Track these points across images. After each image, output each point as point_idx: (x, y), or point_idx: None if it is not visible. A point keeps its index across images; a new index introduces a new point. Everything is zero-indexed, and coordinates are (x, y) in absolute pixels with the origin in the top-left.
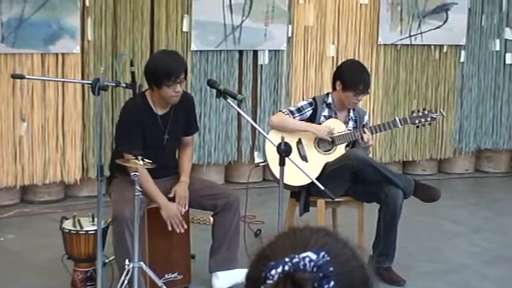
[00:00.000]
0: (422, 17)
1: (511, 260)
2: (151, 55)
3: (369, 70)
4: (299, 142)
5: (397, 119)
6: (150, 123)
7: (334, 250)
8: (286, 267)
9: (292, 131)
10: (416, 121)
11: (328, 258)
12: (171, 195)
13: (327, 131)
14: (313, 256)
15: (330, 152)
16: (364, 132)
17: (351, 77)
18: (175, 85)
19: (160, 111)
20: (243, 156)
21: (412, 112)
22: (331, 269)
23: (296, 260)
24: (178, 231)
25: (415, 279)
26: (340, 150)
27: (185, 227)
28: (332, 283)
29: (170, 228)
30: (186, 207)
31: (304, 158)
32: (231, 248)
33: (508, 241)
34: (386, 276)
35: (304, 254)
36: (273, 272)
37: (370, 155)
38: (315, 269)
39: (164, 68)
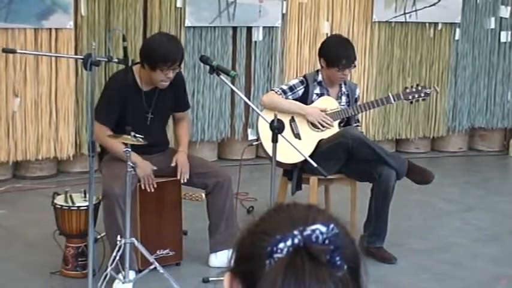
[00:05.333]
0: None
1: (502, 239)
2: (151, 36)
3: (363, 48)
4: (292, 120)
5: (390, 95)
6: (133, 99)
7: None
8: (296, 240)
9: (283, 112)
10: (410, 97)
11: (337, 230)
12: (173, 164)
13: (320, 118)
14: (323, 228)
15: (324, 129)
16: (358, 110)
17: (332, 53)
18: (168, 71)
19: (145, 87)
20: (236, 134)
21: (406, 88)
22: (340, 241)
23: (307, 232)
24: (148, 190)
25: (406, 257)
26: (333, 127)
27: (155, 186)
28: (340, 256)
29: (143, 187)
30: (187, 175)
31: (297, 136)
32: (229, 227)
33: (500, 220)
34: (378, 254)
35: (314, 227)
36: (280, 245)
37: (364, 133)
38: (326, 242)
39: (162, 52)
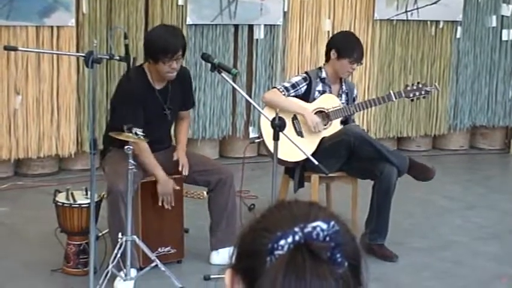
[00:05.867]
0: None
1: (503, 237)
2: (151, 28)
3: (365, 46)
4: (295, 118)
5: (391, 92)
6: (149, 98)
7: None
8: (297, 237)
9: (283, 111)
10: (411, 95)
11: (338, 228)
12: (175, 159)
13: (316, 123)
14: (324, 225)
15: (326, 127)
16: (360, 107)
17: (346, 44)
18: (171, 62)
19: (158, 86)
20: (238, 131)
21: (407, 86)
22: (341, 238)
23: (308, 229)
24: (166, 207)
25: (407, 255)
26: (335, 125)
27: (173, 204)
28: (341, 253)
29: (160, 204)
30: (186, 172)
31: (300, 134)
32: (230, 225)
33: (501, 218)
34: (379, 252)
35: (315, 224)
36: (281, 242)
37: (365, 130)
38: (327, 239)
39: (161, 43)
